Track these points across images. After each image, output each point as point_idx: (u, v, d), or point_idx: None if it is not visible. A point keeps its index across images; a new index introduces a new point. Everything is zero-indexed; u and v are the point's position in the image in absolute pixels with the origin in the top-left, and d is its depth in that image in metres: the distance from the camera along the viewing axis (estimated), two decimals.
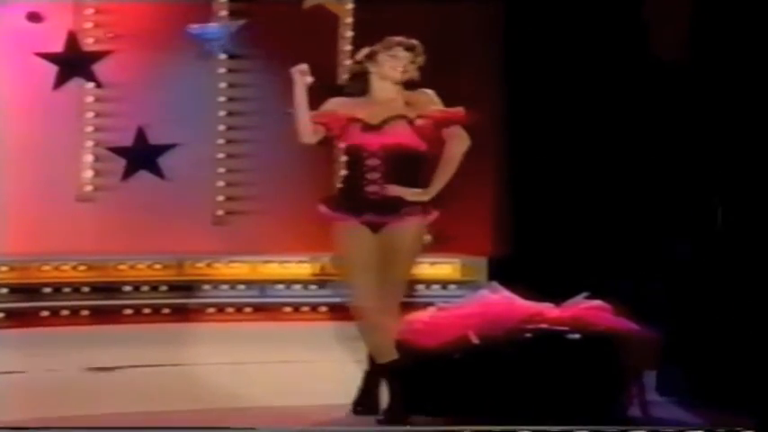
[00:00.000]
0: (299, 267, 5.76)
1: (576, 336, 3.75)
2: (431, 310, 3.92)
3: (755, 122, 4.35)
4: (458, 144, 3.83)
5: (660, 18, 5.02)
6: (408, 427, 3.61)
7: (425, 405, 3.70)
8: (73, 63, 5.54)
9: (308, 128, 3.99)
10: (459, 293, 5.35)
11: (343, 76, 5.81)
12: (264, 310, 5.70)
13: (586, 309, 3.85)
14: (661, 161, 4.87)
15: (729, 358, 4.02)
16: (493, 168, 5.73)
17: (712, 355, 4.06)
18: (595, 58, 5.29)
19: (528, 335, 3.74)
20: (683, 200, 4.62)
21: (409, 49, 3.85)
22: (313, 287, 5.78)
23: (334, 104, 3.97)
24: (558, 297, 3.94)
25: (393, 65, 3.83)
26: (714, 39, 4.54)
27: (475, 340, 3.66)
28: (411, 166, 3.80)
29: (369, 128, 3.82)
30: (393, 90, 3.84)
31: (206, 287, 5.65)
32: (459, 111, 3.85)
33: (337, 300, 5.69)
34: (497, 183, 5.82)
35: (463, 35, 5.75)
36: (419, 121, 3.81)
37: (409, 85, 3.87)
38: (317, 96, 5.71)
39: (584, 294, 3.90)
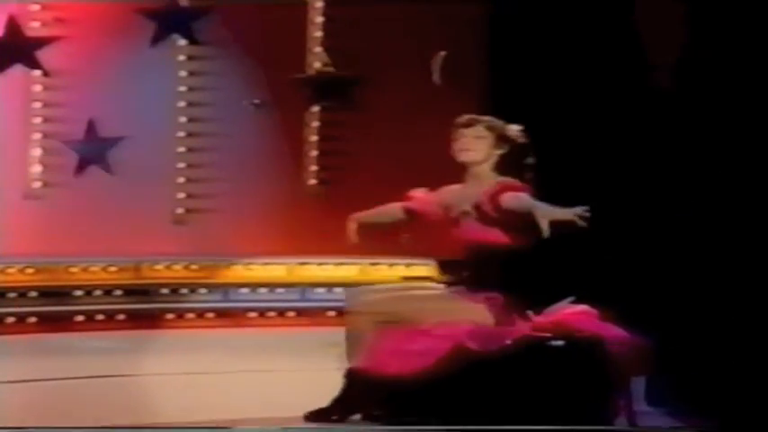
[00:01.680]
0: (266, 270, 5.76)
1: (560, 342, 3.78)
2: (411, 328, 3.91)
3: (751, 126, 4.45)
4: (517, 202, 3.79)
5: (650, 17, 5.13)
6: (408, 428, 3.67)
7: (405, 414, 3.75)
8: (15, 49, 5.48)
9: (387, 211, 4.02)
10: None
11: (315, 66, 5.89)
12: (228, 316, 5.71)
13: (571, 314, 3.88)
14: (652, 164, 4.95)
15: (721, 367, 4.07)
16: None
17: (703, 364, 4.13)
18: (585, 58, 5.34)
19: (508, 341, 3.79)
20: (673, 205, 4.68)
21: (467, 125, 3.89)
22: (281, 290, 5.78)
23: (446, 191, 3.99)
24: (541, 301, 3.98)
25: (458, 147, 3.89)
26: (703, 38, 4.65)
27: (474, 346, 3.70)
28: (488, 261, 3.83)
29: (450, 221, 3.91)
30: (476, 175, 3.87)
31: (165, 291, 5.63)
32: (506, 184, 3.82)
33: (307, 304, 5.76)
34: None
35: (443, 25, 5.79)
36: (475, 214, 3.81)
37: (508, 166, 3.85)
38: (290, 87, 5.77)
39: (570, 299, 3.96)
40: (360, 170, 5.86)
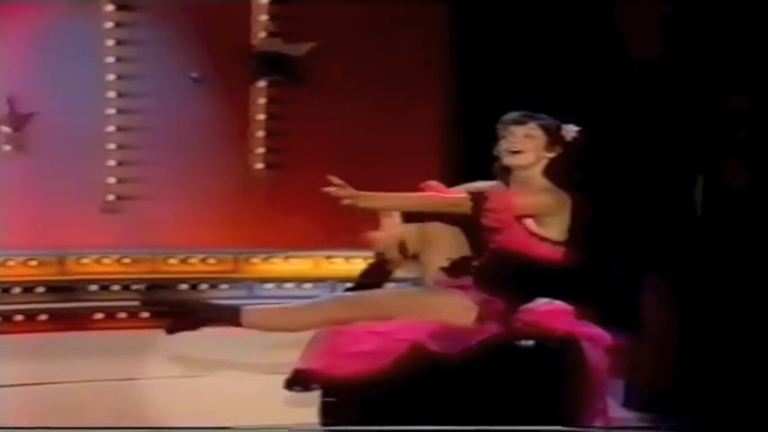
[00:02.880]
0: (206, 264, 5.72)
1: (530, 342, 3.77)
2: (364, 328, 3.90)
3: (735, 126, 4.54)
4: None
5: (620, 14, 5.24)
6: (405, 428, 3.67)
7: (355, 419, 3.73)
8: None
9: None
10: None
11: (261, 35, 5.80)
12: (164, 315, 5.66)
13: (545, 312, 3.87)
14: (633, 160, 5.01)
15: (704, 367, 4.13)
16: (439, 169, 5.79)
17: (686, 364, 4.17)
18: (552, 55, 5.40)
19: (474, 342, 3.74)
20: (654, 203, 4.80)
21: (517, 123, 3.80)
22: (224, 286, 5.73)
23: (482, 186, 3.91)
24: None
25: (505, 147, 3.79)
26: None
27: (432, 347, 3.69)
28: (511, 268, 3.79)
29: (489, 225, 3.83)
30: (523, 180, 3.79)
31: (93, 288, 5.57)
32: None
33: (254, 301, 5.69)
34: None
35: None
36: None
37: (558, 170, 3.77)
38: (233, 59, 5.72)
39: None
40: (311, 153, 5.79)
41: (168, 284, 5.69)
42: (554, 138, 3.83)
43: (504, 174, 3.88)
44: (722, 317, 4.28)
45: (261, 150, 5.96)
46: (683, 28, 4.99)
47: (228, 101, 5.83)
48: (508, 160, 3.82)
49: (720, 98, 4.80)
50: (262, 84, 5.90)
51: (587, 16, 5.45)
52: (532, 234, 3.77)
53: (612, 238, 4.99)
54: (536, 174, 3.84)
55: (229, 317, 3.97)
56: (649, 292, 4.47)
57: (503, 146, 3.83)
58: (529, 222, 3.79)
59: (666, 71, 5.00)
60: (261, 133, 5.96)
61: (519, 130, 3.82)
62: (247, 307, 3.99)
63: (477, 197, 3.80)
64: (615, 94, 5.22)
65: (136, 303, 5.63)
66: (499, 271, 3.84)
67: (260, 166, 5.95)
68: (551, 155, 3.83)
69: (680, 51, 4.97)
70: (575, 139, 3.85)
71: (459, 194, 3.86)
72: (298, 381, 3.77)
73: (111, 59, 5.73)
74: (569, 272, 3.85)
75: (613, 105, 5.14)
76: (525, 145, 3.81)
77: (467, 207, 3.81)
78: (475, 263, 3.89)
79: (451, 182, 3.99)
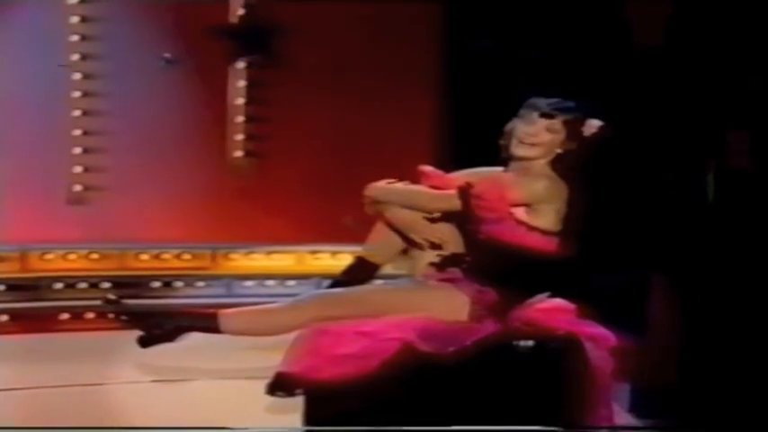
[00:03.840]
0: (181, 260, 5.70)
1: (529, 342, 3.76)
2: (349, 328, 3.89)
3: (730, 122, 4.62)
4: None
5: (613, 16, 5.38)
6: (404, 428, 3.68)
7: (355, 422, 3.73)
8: None
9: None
10: None
11: (239, 12, 5.76)
12: (135, 315, 5.64)
13: (544, 310, 3.87)
14: (636, 156, 5.07)
15: (710, 369, 4.15)
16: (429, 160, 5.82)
17: (696, 368, 4.17)
18: (547, 48, 5.46)
19: (468, 342, 3.73)
20: (660, 200, 4.91)
21: (544, 115, 3.81)
22: (201, 284, 5.71)
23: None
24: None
25: (520, 135, 3.80)
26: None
27: (423, 347, 3.69)
28: (509, 262, 3.81)
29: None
30: (528, 169, 3.81)
31: (58, 286, 5.55)
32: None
33: (233, 300, 5.68)
34: None
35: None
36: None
37: (567, 164, 3.78)
38: (209, 38, 5.71)
39: (546, 294, 3.90)
40: (294, 141, 5.78)
41: (140, 282, 5.68)
42: (572, 134, 3.85)
43: (507, 152, 3.90)
44: (728, 317, 4.30)
45: (240, 137, 5.93)
46: (682, 25, 5.07)
47: (204, 83, 5.78)
48: (518, 151, 3.84)
49: (724, 90, 4.88)
50: (241, 65, 5.84)
51: (582, 9, 5.51)
52: (521, 223, 3.78)
53: (617, 234, 5.03)
54: (540, 163, 3.85)
55: (206, 324, 3.96)
56: (655, 292, 4.51)
57: (518, 132, 3.85)
58: (518, 211, 3.79)
59: (666, 66, 5.12)
60: (240, 119, 5.93)
61: (542, 123, 3.84)
62: (225, 311, 3.96)
63: (465, 193, 3.81)
64: (613, 87, 5.30)
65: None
66: (490, 263, 3.84)
67: (239, 154, 5.92)
68: (563, 149, 3.86)
69: (680, 46, 5.07)
70: (593, 134, 3.87)
71: (448, 191, 3.87)
72: (281, 385, 3.78)
73: (75, 38, 5.69)
74: (566, 265, 3.85)
75: (612, 99, 5.22)
76: (542, 139, 3.84)
77: (455, 204, 3.81)
78: (467, 258, 3.89)
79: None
